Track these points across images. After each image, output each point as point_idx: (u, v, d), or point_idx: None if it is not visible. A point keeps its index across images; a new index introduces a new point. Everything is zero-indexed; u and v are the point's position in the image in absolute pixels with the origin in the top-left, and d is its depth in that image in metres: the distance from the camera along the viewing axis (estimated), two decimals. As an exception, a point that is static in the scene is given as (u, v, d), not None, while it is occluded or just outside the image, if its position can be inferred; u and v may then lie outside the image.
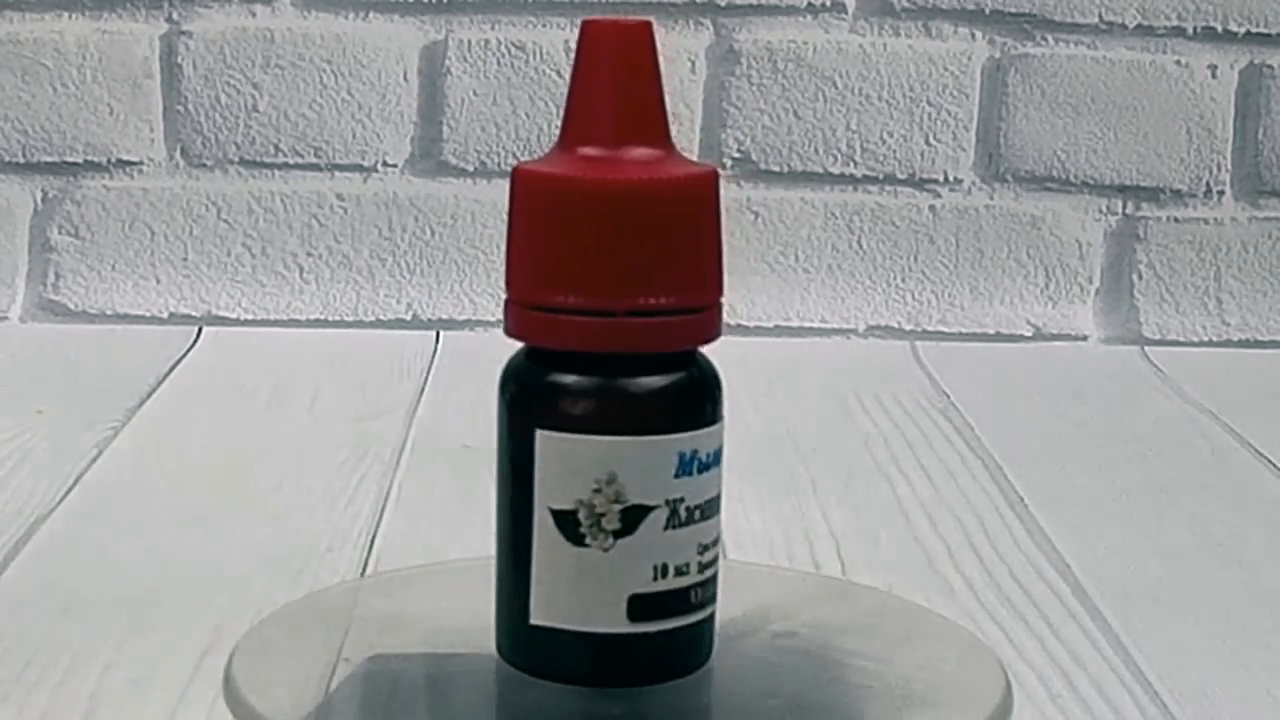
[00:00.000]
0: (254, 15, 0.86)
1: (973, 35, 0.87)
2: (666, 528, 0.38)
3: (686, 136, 0.85)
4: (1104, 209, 0.88)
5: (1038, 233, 0.88)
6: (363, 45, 0.86)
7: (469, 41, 0.86)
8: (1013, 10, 0.86)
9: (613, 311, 0.37)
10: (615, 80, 0.38)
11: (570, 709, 0.39)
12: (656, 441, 0.38)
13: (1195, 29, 0.87)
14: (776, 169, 0.87)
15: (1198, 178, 0.88)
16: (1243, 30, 0.87)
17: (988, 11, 0.86)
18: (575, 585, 0.38)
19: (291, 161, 0.86)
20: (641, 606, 0.38)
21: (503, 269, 0.39)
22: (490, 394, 0.39)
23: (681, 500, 0.38)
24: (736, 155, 0.87)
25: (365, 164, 0.86)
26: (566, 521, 0.37)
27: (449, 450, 0.66)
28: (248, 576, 0.52)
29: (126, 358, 0.80)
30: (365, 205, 0.87)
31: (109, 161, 0.86)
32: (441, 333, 0.86)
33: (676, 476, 0.38)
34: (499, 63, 0.86)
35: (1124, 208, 0.88)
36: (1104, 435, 0.72)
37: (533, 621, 0.38)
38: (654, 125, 0.38)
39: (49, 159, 0.86)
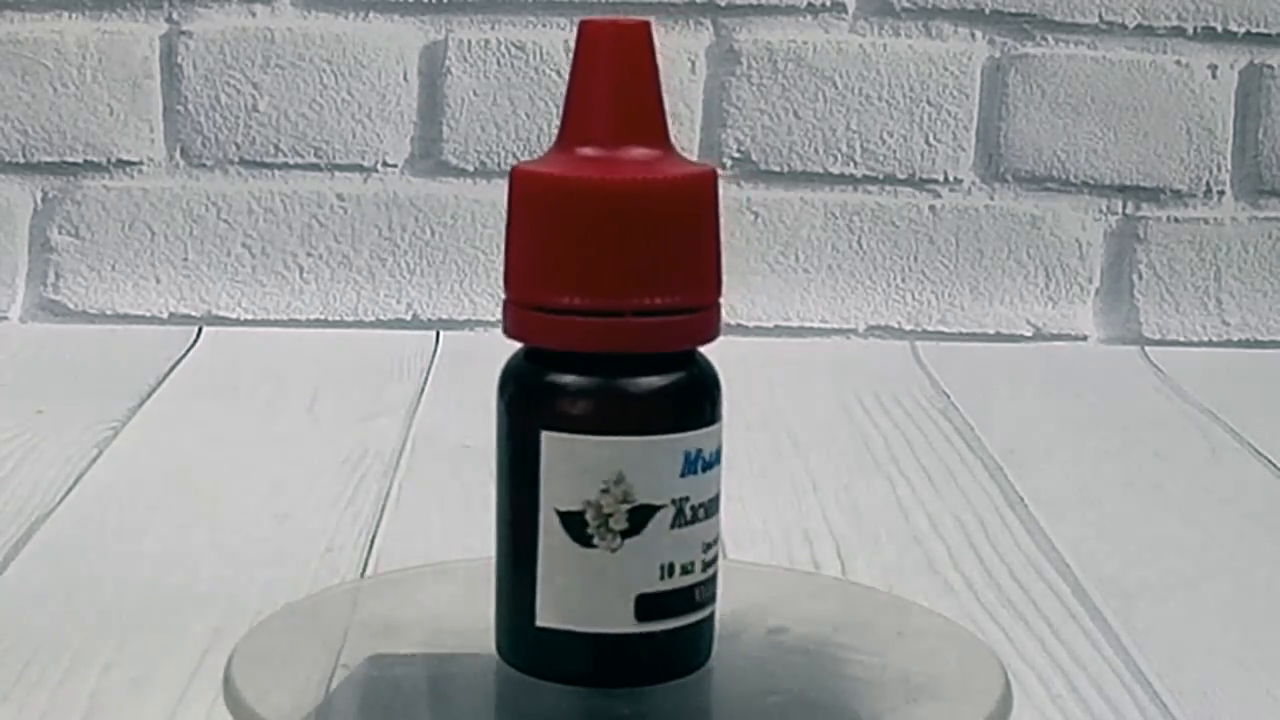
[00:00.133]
0: (254, 15, 0.86)
1: (973, 35, 0.87)
2: (673, 527, 0.38)
3: (686, 136, 0.85)
4: (1104, 209, 0.88)
5: (1038, 233, 0.88)
6: (363, 45, 0.86)
7: (469, 41, 0.86)
8: (1013, 10, 0.86)
9: (613, 312, 0.37)
10: (614, 80, 0.38)
11: (572, 709, 0.39)
12: (663, 441, 0.38)
13: (1195, 29, 0.87)
14: (776, 169, 0.87)
15: (1198, 178, 0.88)
16: (1243, 30, 0.87)
17: (988, 11, 0.86)
18: (582, 586, 0.38)
19: (291, 161, 0.86)
20: (648, 606, 0.38)
21: (502, 269, 0.39)
22: (490, 394, 0.39)
23: (687, 499, 0.38)
24: (736, 155, 0.87)
25: (365, 164, 0.86)
26: (573, 523, 0.37)
27: (449, 450, 0.66)
28: (248, 576, 0.52)
29: (126, 358, 0.80)
30: (365, 205, 0.87)
31: (109, 161, 0.86)
32: (441, 333, 0.86)
33: (682, 476, 0.38)
34: (499, 63, 0.86)
35: (1124, 208, 0.88)
36: (1104, 436, 0.72)
37: (538, 623, 0.38)
38: (652, 125, 0.38)
39: (49, 159, 0.86)
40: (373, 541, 0.56)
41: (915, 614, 0.47)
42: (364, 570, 0.53)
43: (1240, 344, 0.88)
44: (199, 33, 0.85)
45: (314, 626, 0.44)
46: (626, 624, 0.38)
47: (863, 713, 0.40)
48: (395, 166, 0.87)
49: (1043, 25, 0.87)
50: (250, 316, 0.86)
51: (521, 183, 0.38)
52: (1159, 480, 0.65)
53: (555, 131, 0.39)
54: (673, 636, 0.38)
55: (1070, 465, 0.67)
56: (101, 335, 0.84)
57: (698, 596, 0.39)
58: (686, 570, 0.38)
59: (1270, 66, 0.87)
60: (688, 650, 0.39)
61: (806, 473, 0.65)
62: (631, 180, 0.37)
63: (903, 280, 0.88)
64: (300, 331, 0.86)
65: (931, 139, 0.87)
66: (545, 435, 0.37)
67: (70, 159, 0.86)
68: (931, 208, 0.88)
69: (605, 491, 0.37)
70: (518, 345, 0.39)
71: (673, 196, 0.38)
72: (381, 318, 0.87)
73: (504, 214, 0.39)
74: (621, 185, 0.37)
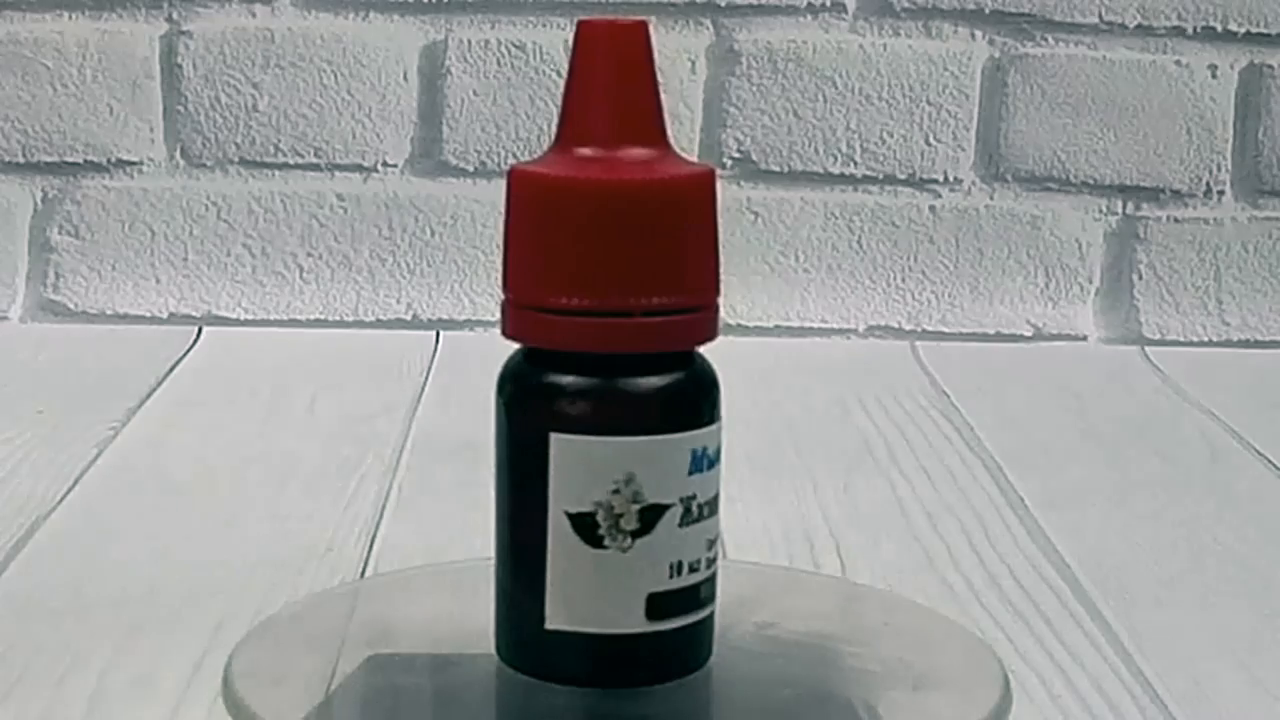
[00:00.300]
0: (254, 15, 0.86)
1: (973, 35, 0.87)
2: (681, 525, 0.38)
3: (686, 136, 0.85)
4: (1104, 209, 0.88)
5: (1038, 233, 0.88)
6: (363, 45, 0.86)
7: (469, 41, 0.86)
8: (1013, 10, 0.86)
9: (613, 312, 0.37)
10: (611, 80, 0.38)
11: (574, 709, 0.39)
12: (672, 440, 0.38)
13: (1195, 29, 0.87)
14: (776, 169, 0.87)
15: (1198, 178, 0.88)
16: (1243, 30, 0.87)
17: (988, 11, 0.86)
18: (593, 587, 0.38)
19: (291, 161, 0.86)
20: (658, 605, 0.38)
21: (501, 270, 0.39)
22: (491, 394, 0.39)
23: (693, 497, 0.38)
24: (736, 155, 0.87)
25: (365, 164, 0.86)
26: (583, 524, 0.37)
27: (449, 450, 0.66)
28: (248, 576, 0.52)
29: (126, 358, 0.80)
30: (365, 205, 0.87)
31: (109, 161, 0.86)
32: (441, 333, 0.86)
33: (690, 474, 0.38)
34: (499, 63, 0.86)
35: (1124, 208, 0.88)
36: (1104, 435, 0.72)
37: (548, 626, 0.38)
38: (650, 125, 0.38)
39: (49, 159, 0.86)
40: (373, 541, 0.56)
41: (905, 608, 0.47)
42: (364, 570, 0.53)
43: (1240, 344, 0.88)
44: (199, 33, 0.85)
45: (314, 627, 0.44)
46: (637, 624, 0.38)
47: (872, 702, 0.40)
48: (395, 166, 0.87)
49: (1043, 25, 0.87)
50: (250, 316, 0.86)
51: (520, 183, 0.38)
52: (1159, 480, 0.65)
53: (554, 131, 0.39)
54: (679, 635, 0.38)
55: (1070, 465, 0.67)
56: (101, 335, 0.84)
57: (702, 594, 0.39)
58: (693, 568, 0.38)
59: (1270, 66, 0.87)
60: (693, 648, 0.39)
61: (806, 473, 0.65)
62: (630, 180, 0.37)
63: (903, 280, 0.88)
64: (300, 331, 0.86)
65: (931, 139, 0.87)
66: (554, 437, 0.37)
67: (70, 159, 0.86)
68: (931, 208, 0.88)
69: (616, 492, 0.37)
70: (516, 346, 0.39)
71: (671, 197, 0.38)
72: (381, 318, 0.87)
73: (503, 214, 0.39)
74: (620, 185, 0.37)
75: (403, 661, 0.42)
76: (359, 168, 0.87)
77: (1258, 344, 0.88)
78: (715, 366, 0.39)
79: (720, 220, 0.39)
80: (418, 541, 0.56)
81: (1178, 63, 0.87)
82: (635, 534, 0.37)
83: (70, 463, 0.63)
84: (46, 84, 0.85)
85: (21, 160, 0.86)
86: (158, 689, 0.44)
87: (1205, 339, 0.88)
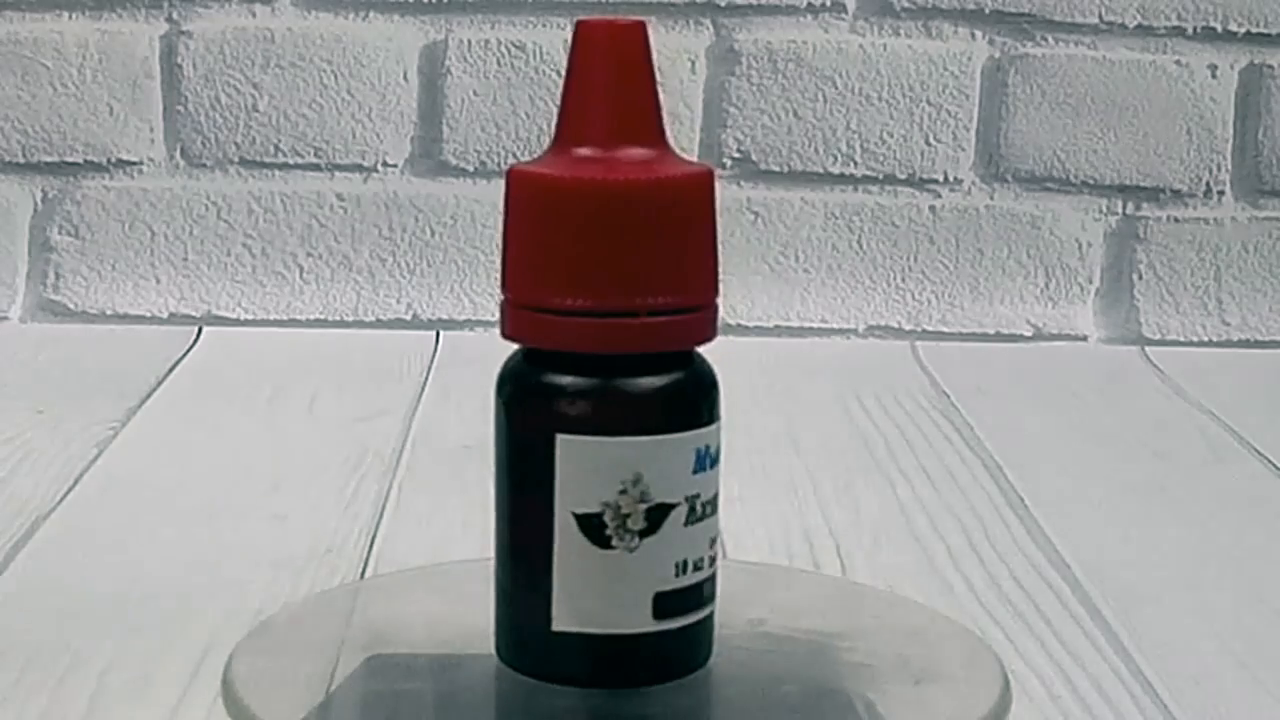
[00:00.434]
0: (254, 15, 0.86)
1: (973, 35, 0.87)
2: (686, 524, 0.38)
3: (686, 136, 0.85)
4: (1104, 209, 0.88)
5: (1038, 233, 0.88)
6: (363, 45, 0.86)
7: (469, 41, 0.86)
8: (1013, 10, 0.86)
9: (614, 312, 0.37)
10: (609, 80, 0.38)
11: (577, 710, 0.39)
12: (678, 439, 0.38)
13: (1195, 29, 0.87)
14: (776, 169, 0.87)
15: (1198, 178, 0.88)
16: (1243, 30, 0.87)
17: (988, 11, 0.86)
18: (600, 588, 0.38)
19: (291, 161, 0.86)
20: (665, 604, 0.38)
21: (500, 270, 0.39)
22: (491, 394, 0.39)
23: (698, 496, 0.38)
24: (736, 155, 0.87)
25: (365, 164, 0.86)
26: (591, 525, 0.37)
27: (449, 450, 0.66)
28: (248, 576, 0.52)
29: (126, 358, 0.80)
30: (365, 205, 0.87)
31: (109, 161, 0.86)
32: (441, 333, 0.86)
33: (694, 473, 0.38)
34: (499, 63, 0.86)
35: (1124, 208, 0.88)
36: (1104, 435, 0.72)
37: (555, 628, 0.38)
38: (648, 125, 0.38)
39: (49, 159, 0.86)
40: (373, 542, 0.56)
41: (905, 608, 0.47)
42: (364, 570, 0.53)
43: (1240, 344, 0.88)
44: (199, 33, 0.85)
45: (314, 627, 0.44)
46: (644, 623, 0.38)
47: (874, 696, 0.40)
48: (395, 166, 0.87)
49: (1043, 25, 0.87)
50: (250, 316, 0.86)
51: (518, 184, 0.38)
52: (1159, 480, 0.65)
53: (553, 132, 0.39)
54: (684, 634, 0.39)
55: (1070, 465, 0.67)
56: (101, 335, 0.84)
57: (705, 593, 0.39)
58: (697, 567, 0.38)
59: (1270, 66, 0.87)
60: (696, 647, 0.39)
61: (806, 473, 0.65)
62: (628, 180, 0.37)
63: (903, 280, 0.88)
64: (300, 331, 0.86)
65: (931, 139, 0.87)
66: (560, 438, 0.37)
67: (70, 159, 0.86)
68: (931, 208, 0.88)
69: (623, 492, 0.37)
70: (515, 346, 0.39)
71: (670, 197, 0.38)
72: (381, 318, 0.87)
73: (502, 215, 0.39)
74: (618, 185, 0.37)
75: (403, 662, 0.42)
76: (359, 168, 0.87)
77: (1258, 344, 0.88)
78: (715, 366, 0.39)
79: (720, 220, 0.39)
80: (418, 541, 0.56)
81: (1178, 63, 0.87)
82: (642, 534, 0.37)
83: (70, 463, 0.63)
84: (46, 84, 0.85)
85: (21, 160, 0.86)
86: (158, 689, 0.44)
87: (1205, 339, 0.88)
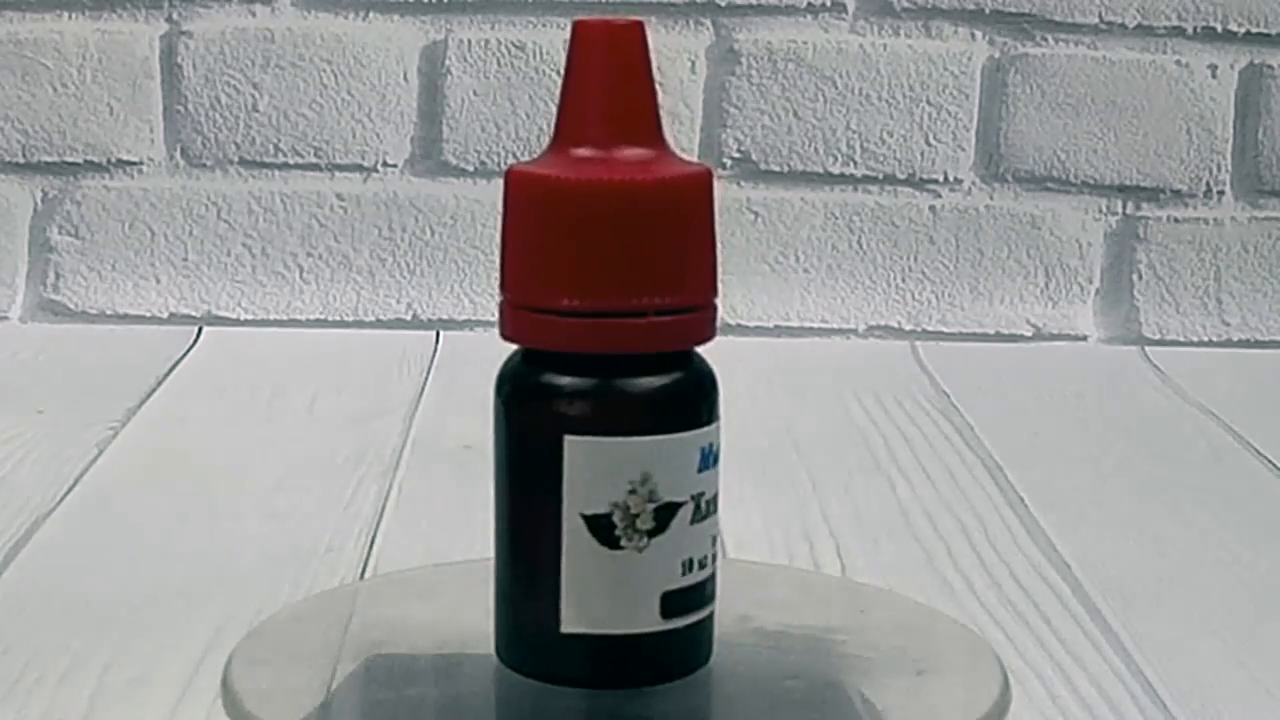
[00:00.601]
0: (254, 15, 0.86)
1: (973, 35, 0.87)
2: (692, 522, 0.38)
3: (686, 136, 0.85)
4: (1104, 209, 0.88)
5: (1038, 233, 0.88)
6: (363, 45, 0.86)
7: (469, 41, 0.86)
8: (1013, 10, 0.86)
9: (614, 313, 0.37)
10: (607, 80, 0.38)
11: (581, 711, 0.39)
12: (685, 438, 0.38)
13: (1195, 29, 0.87)
14: (776, 169, 0.87)
15: (1198, 178, 0.88)
16: (1243, 30, 0.87)
17: (988, 11, 0.86)
18: (609, 589, 0.37)
19: (291, 161, 0.86)
20: (672, 603, 0.38)
21: (499, 271, 0.39)
22: (491, 394, 0.39)
23: (702, 494, 0.38)
24: (736, 155, 0.87)
25: (365, 164, 0.87)
26: (600, 525, 0.37)
27: (449, 450, 0.66)
28: (248, 576, 0.52)
29: (126, 358, 0.80)
30: (365, 205, 0.87)
31: (109, 161, 0.86)
32: (441, 333, 0.86)
33: (699, 471, 0.38)
34: (499, 63, 0.86)
35: (1124, 208, 0.88)
36: (1104, 436, 0.72)
37: (564, 630, 0.38)
38: (647, 125, 0.38)
39: (49, 159, 0.86)
40: (373, 541, 0.56)
41: (904, 606, 0.47)
42: (364, 570, 0.53)
43: (1240, 344, 0.88)
44: (199, 33, 0.85)
45: (314, 627, 0.44)
46: (652, 623, 0.38)
47: (876, 688, 0.40)
48: (395, 166, 0.87)
49: (1043, 25, 0.87)
50: (250, 316, 0.86)
51: (516, 184, 0.38)
52: (1159, 480, 0.65)
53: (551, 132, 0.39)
54: (689, 632, 0.39)
55: (1070, 465, 0.67)
56: (101, 335, 0.84)
57: (707, 591, 0.39)
58: (702, 565, 0.38)
59: (1270, 66, 0.87)
60: (700, 645, 0.39)
61: (806, 473, 0.65)
62: (626, 181, 0.37)
63: (903, 280, 0.88)
64: (300, 331, 0.86)
65: (931, 139, 0.87)
66: (568, 439, 0.37)
67: (70, 159, 0.86)
68: (931, 208, 0.88)
69: (632, 492, 0.37)
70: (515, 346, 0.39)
71: (668, 197, 0.38)
72: (381, 318, 0.87)
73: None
74: (617, 186, 0.37)
75: (403, 662, 0.41)
76: (359, 168, 0.87)
77: (1258, 344, 0.88)
78: (715, 366, 0.39)
79: (720, 220, 0.39)
80: (418, 541, 0.56)
81: (1178, 63, 0.87)
82: (651, 533, 0.37)
83: (70, 463, 0.63)
84: (46, 84, 0.85)
85: (21, 160, 0.86)
86: (158, 689, 0.44)
87: (1205, 339, 0.88)
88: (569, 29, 0.38)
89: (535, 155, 0.39)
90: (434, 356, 0.82)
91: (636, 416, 0.38)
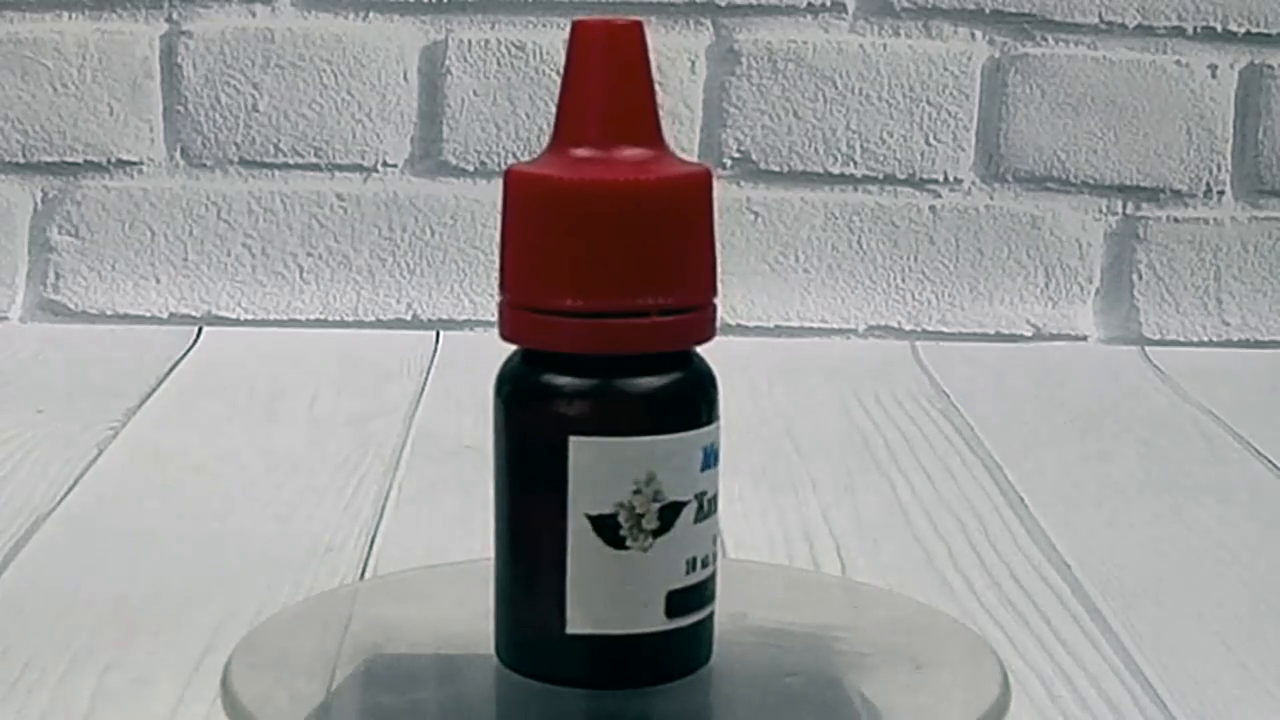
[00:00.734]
0: (254, 15, 0.86)
1: (973, 35, 0.87)
2: (695, 521, 0.38)
3: (686, 136, 0.85)
4: (1104, 209, 0.88)
5: (1038, 233, 0.88)
6: (363, 45, 0.86)
7: (469, 41, 0.86)
8: (1013, 10, 0.86)
9: (614, 313, 0.37)
10: (606, 81, 0.38)
11: (581, 711, 0.39)
12: (688, 437, 0.38)
13: (1195, 29, 0.87)
14: (776, 169, 0.87)
15: (1198, 178, 0.88)
16: (1243, 30, 0.87)
17: (988, 11, 0.86)
18: (616, 589, 0.37)
19: (291, 161, 0.86)
20: (677, 602, 0.38)
21: (498, 271, 0.39)
22: (491, 394, 0.39)
23: (705, 493, 0.38)
24: (736, 155, 0.87)
25: (365, 164, 0.86)
26: (605, 526, 0.37)
27: (449, 450, 0.66)
28: (248, 576, 0.52)
29: (126, 358, 0.80)
30: (365, 205, 0.87)
31: (109, 161, 0.86)
32: (441, 333, 0.86)
33: (702, 470, 0.38)
34: (499, 63, 0.86)
35: (1124, 208, 0.88)
36: (1104, 436, 0.72)
37: (570, 631, 0.38)
38: (645, 125, 0.38)
39: (49, 159, 0.86)
40: (373, 541, 0.56)
41: (903, 605, 0.47)
42: (364, 570, 0.53)
43: (1240, 344, 0.88)
44: (199, 33, 0.85)
45: (314, 627, 0.44)
46: (657, 622, 0.38)
47: (877, 682, 0.40)
48: (395, 166, 0.87)
49: (1043, 25, 0.87)
50: (250, 316, 0.86)
51: (515, 184, 0.38)
52: (1159, 480, 0.65)
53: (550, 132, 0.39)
54: (692, 631, 0.39)
55: (1070, 465, 0.67)
56: (101, 335, 0.84)
57: (709, 589, 0.39)
58: (705, 564, 0.38)
59: (1270, 66, 0.87)
60: (703, 643, 0.39)
61: (806, 473, 0.65)
62: (626, 181, 0.37)
63: (903, 280, 0.88)
64: (300, 331, 0.86)
65: (931, 139, 0.87)
66: (574, 440, 0.37)
67: (70, 159, 0.86)
68: (931, 208, 0.88)
69: (637, 492, 0.37)
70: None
71: (667, 197, 0.38)
72: (381, 318, 0.87)
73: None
74: (616, 186, 0.37)
75: (403, 663, 0.41)
76: (359, 168, 0.87)
77: (1258, 344, 0.88)
78: (715, 366, 0.39)
79: (720, 220, 0.39)
80: (418, 541, 0.56)
81: (1178, 63, 0.87)
82: (656, 533, 0.37)
83: (70, 463, 0.63)
84: (46, 84, 0.85)
85: (21, 160, 0.86)
86: (158, 689, 0.44)
87: (1205, 339, 0.88)
88: (569, 29, 0.38)
89: (535, 155, 0.39)
90: (434, 356, 0.82)
91: (642, 416, 0.38)
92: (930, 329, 0.88)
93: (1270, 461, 0.68)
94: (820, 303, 0.88)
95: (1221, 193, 0.88)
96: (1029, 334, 0.88)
